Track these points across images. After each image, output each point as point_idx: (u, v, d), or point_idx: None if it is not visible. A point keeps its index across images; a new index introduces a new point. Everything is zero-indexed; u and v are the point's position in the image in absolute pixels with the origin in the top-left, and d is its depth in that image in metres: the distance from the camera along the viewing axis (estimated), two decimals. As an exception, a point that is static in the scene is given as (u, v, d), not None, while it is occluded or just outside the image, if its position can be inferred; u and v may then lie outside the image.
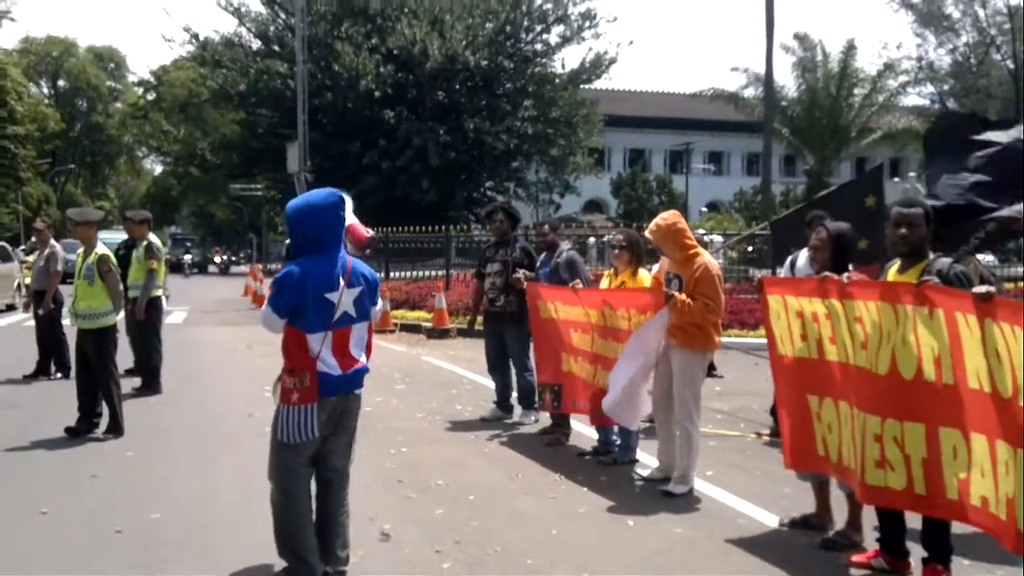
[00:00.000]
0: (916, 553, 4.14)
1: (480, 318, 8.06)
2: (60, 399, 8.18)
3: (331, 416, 3.98)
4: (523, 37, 37.30)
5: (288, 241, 4.01)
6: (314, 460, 4.05)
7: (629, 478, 5.99)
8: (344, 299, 3.90)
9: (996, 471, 3.48)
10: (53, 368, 10.12)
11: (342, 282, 3.90)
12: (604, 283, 6.59)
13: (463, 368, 10.85)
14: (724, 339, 11.97)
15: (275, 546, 4.05)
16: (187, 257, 42.85)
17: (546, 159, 37.93)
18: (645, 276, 6.26)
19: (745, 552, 4.55)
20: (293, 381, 3.88)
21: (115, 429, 7.18)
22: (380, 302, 4.23)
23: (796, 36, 32.24)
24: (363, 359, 4.08)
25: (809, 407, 4.56)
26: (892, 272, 4.21)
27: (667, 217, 5.67)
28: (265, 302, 3.96)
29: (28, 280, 18.87)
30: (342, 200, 3.95)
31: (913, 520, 4.16)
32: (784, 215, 8.53)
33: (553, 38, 38.32)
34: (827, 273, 4.50)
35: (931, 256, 4.08)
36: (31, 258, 15.08)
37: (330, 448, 4.06)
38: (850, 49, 30.75)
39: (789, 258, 6.99)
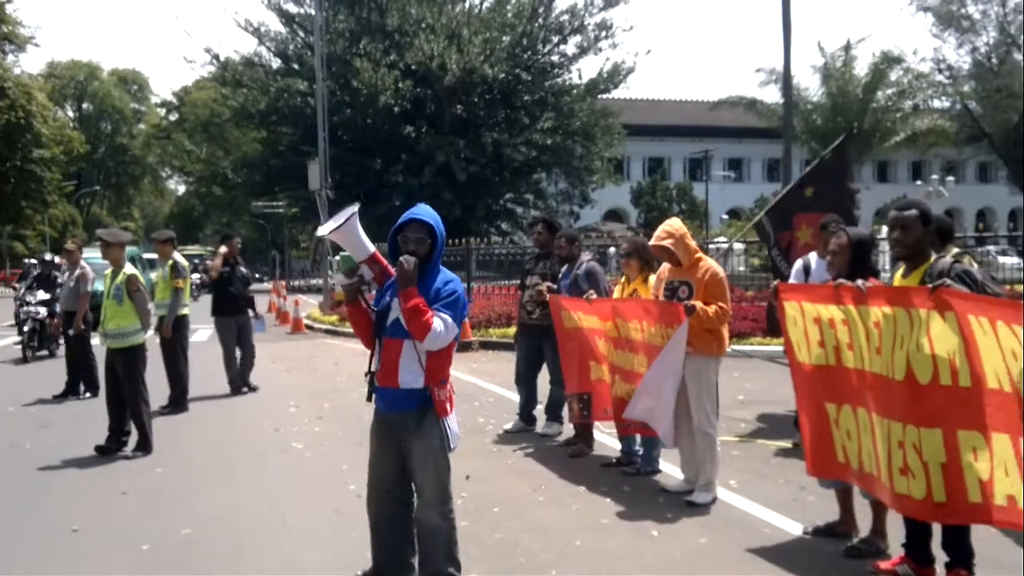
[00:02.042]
0: (940, 559, 4.14)
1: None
2: (90, 418, 8.32)
3: None
4: (540, 49, 37.47)
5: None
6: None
7: (652, 488, 6.00)
8: None
9: (1022, 468, 3.51)
10: (83, 387, 10.27)
11: None
12: (616, 291, 6.63)
13: (485, 381, 10.89)
14: (747, 347, 12.01)
15: (442, 565, 3.97)
16: (195, 276, 42.39)
17: (565, 170, 38.04)
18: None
19: (770, 562, 4.54)
20: (447, 392, 4.00)
21: (144, 447, 7.29)
22: None
23: (818, 45, 32.16)
24: None
25: (827, 414, 4.56)
26: (897, 276, 4.23)
27: (675, 225, 5.74)
28: (441, 317, 3.78)
29: None
30: None
31: (937, 526, 4.16)
32: (768, 208, 8.68)
33: (570, 49, 38.50)
34: (842, 280, 4.51)
35: (933, 257, 4.11)
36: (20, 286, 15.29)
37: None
38: (886, 62, 30.52)
39: (801, 262, 7.01)
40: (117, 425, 7.38)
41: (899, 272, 4.24)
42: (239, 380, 10.33)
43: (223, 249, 10.54)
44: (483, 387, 10.52)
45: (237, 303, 10.32)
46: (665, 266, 5.85)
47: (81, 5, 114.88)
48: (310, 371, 12.56)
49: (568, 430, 7.46)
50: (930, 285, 3.82)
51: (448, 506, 4.01)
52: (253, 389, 10.42)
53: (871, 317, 4.16)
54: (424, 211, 3.92)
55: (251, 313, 10.61)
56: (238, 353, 10.39)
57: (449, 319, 3.81)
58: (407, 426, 3.94)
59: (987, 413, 3.62)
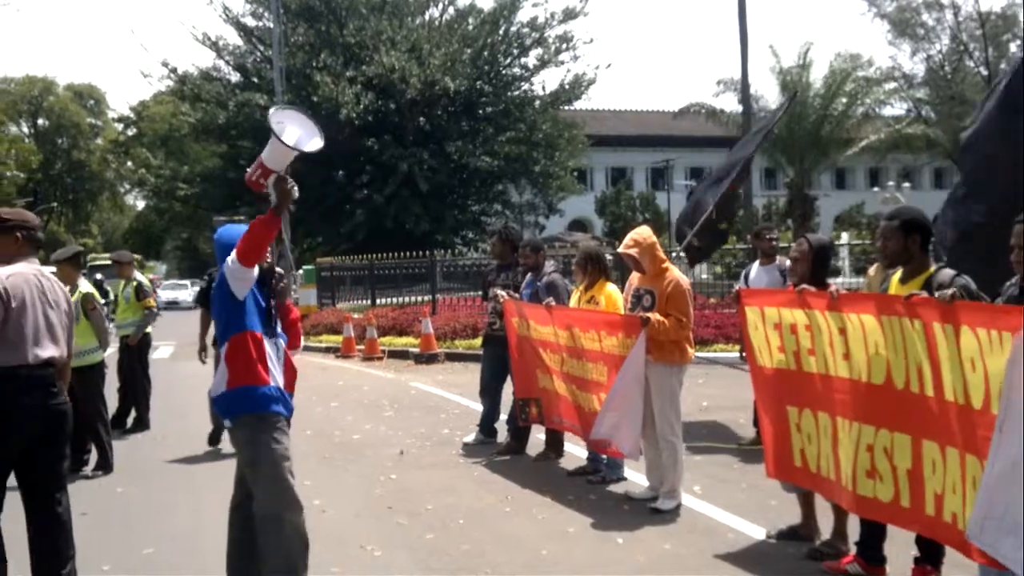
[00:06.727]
0: (909, 553, 4.20)
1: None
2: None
3: None
4: (501, 61, 37.57)
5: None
6: None
7: (618, 496, 6.03)
8: None
9: (966, 486, 3.50)
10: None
11: None
12: (575, 297, 6.66)
13: (451, 393, 10.88)
14: (710, 354, 12.12)
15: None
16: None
17: (530, 178, 38.11)
18: (613, 289, 6.34)
19: (733, 566, 4.59)
20: None
21: (104, 466, 7.19)
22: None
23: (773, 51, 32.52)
24: None
25: (788, 418, 4.62)
26: (895, 281, 4.22)
27: (644, 233, 5.78)
28: None
29: None
30: None
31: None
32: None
33: (531, 61, 38.61)
34: (805, 286, 4.58)
35: (933, 267, 4.10)
36: None
37: None
38: (846, 60, 30.87)
39: (744, 271, 7.47)
40: (77, 444, 7.25)
41: (896, 276, 4.23)
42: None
43: None
44: (449, 399, 10.50)
45: None
46: (635, 273, 5.89)
47: (34, 20, 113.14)
48: (274, 386, 12.43)
49: (536, 445, 7.45)
50: (905, 294, 3.83)
51: None
52: None
53: (839, 323, 4.21)
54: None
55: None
56: None
57: None
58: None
59: (944, 426, 3.63)
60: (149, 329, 9.30)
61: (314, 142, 3.84)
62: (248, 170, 3.90)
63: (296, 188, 3.83)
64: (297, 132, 3.80)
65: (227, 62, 39.32)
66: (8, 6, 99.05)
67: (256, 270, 3.86)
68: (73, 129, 65.34)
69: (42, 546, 4.17)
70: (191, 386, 11.88)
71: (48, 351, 4.15)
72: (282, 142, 3.71)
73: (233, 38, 39.38)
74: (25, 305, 4.05)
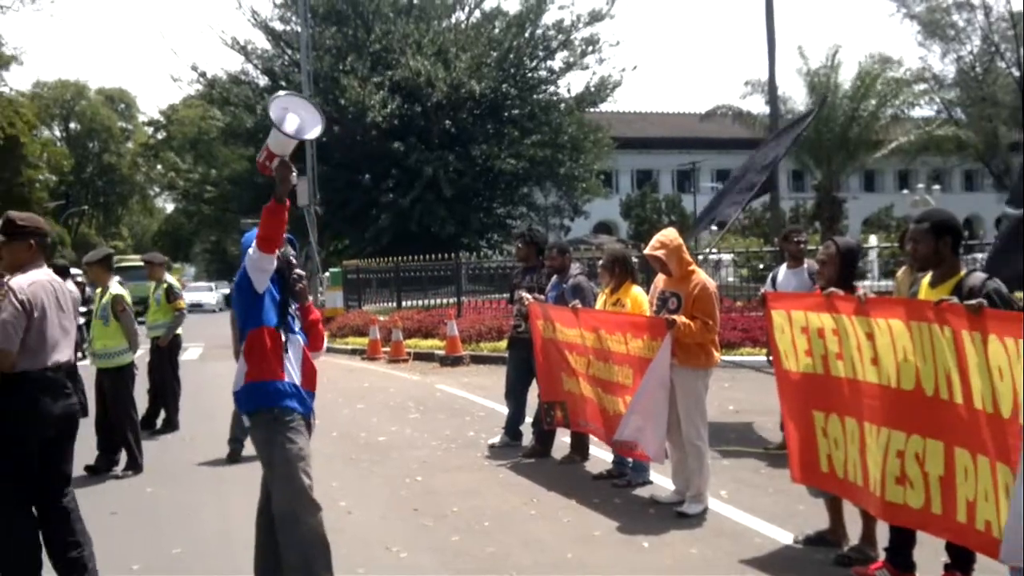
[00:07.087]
0: (939, 559, 4.15)
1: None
2: (80, 438, 8.25)
3: None
4: (527, 64, 37.57)
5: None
6: None
7: (643, 500, 6.00)
8: None
9: (998, 494, 3.46)
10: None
11: None
12: (600, 300, 6.65)
13: (477, 395, 10.89)
14: (736, 357, 12.04)
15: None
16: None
17: (555, 181, 38.09)
18: (639, 292, 6.33)
19: (760, 571, 4.56)
20: None
21: (134, 466, 7.27)
22: None
23: (802, 53, 32.25)
24: None
25: (814, 422, 4.58)
26: (924, 284, 4.18)
27: (671, 235, 5.76)
28: None
29: None
30: None
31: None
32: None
33: (557, 64, 38.59)
34: (833, 289, 4.54)
35: (964, 271, 4.05)
36: None
37: None
38: (877, 62, 30.57)
39: (771, 274, 7.44)
40: (107, 445, 7.36)
41: (925, 280, 4.18)
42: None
43: None
44: (474, 401, 10.51)
45: None
46: (661, 275, 5.87)
47: (66, 24, 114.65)
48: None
49: (561, 447, 7.45)
50: (936, 300, 3.80)
51: None
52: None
53: (866, 328, 4.17)
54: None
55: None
56: None
57: None
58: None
59: (974, 434, 3.60)
60: (179, 331, 9.42)
61: (315, 130, 3.93)
62: (258, 155, 4.05)
63: (295, 174, 3.94)
64: (297, 120, 3.85)
65: (255, 66, 39.60)
66: (41, 11, 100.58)
67: (275, 261, 3.90)
68: (104, 133, 66.25)
69: (58, 538, 4.26)
70: (219, 387, 11.98)
71: (64, 355, 4.24)
72: (282, 132, 3.78)
73: (261, 42, 39.66)
74: (45, 313, 4.14)
